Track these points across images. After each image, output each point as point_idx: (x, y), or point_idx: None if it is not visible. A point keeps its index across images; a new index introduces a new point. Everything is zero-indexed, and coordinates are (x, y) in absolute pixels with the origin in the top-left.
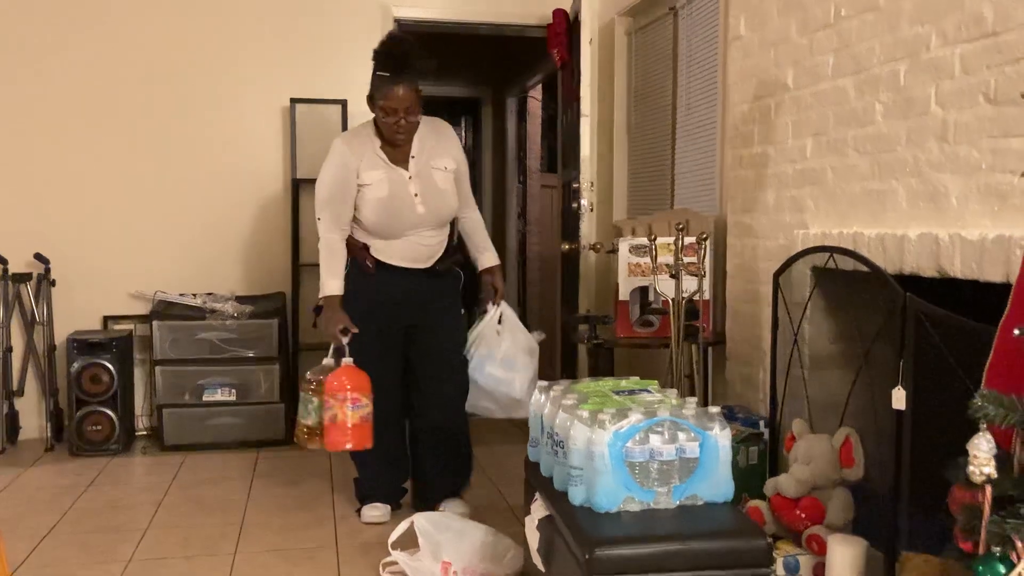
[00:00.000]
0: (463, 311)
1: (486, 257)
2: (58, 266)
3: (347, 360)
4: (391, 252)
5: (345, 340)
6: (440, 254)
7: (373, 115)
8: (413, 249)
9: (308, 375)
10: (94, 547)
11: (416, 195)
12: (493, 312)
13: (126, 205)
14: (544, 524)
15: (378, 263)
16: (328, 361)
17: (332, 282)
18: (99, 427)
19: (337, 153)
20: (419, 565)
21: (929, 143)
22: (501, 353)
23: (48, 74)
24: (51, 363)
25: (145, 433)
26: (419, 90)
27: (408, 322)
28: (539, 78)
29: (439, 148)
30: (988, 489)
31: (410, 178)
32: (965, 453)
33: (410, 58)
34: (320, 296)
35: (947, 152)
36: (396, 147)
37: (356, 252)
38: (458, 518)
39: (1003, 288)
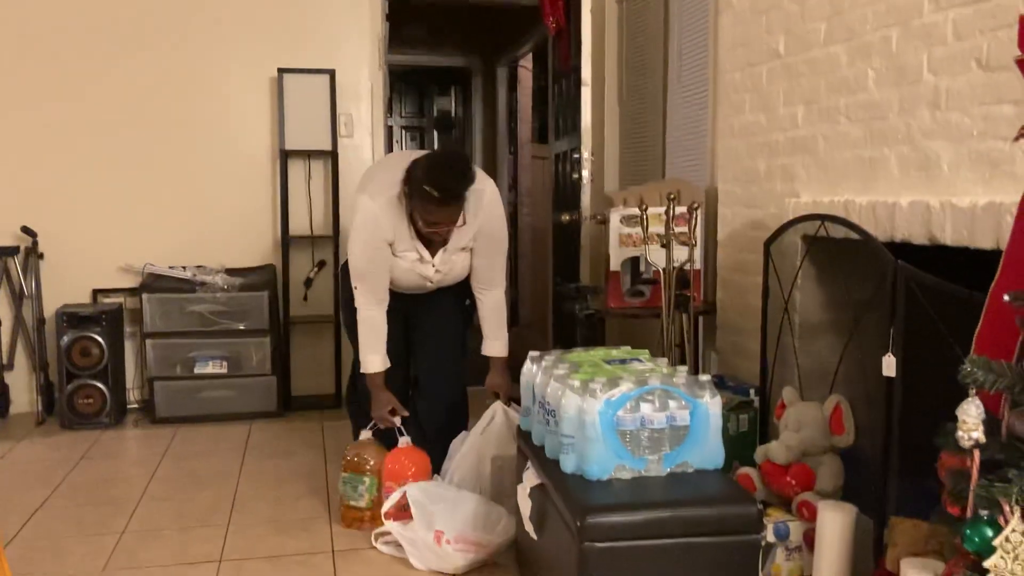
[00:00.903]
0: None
1: (494, 346)
2: (46, 239)
3: (405, 440)
4: (395, 287)
5: (396, 421)
6: None
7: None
8: (418, 290)
9: (351, 455)
10: (87, 520)
11: (436, 271)
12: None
13: (114, 177)
14: (536, 492)
15: None
16: (366, 435)
17: (374, 358)
18: (90, 400)
19: (371, 223)
20: (412, 535)
21: (921, 110)
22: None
23: (33, 47)
24: (41, 337)
25: (137, 406)
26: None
27: (409, 311)
28: (530, 47)
29: (470, 226)
30: (976, 454)
31: (434, 265)
32: (954, 419)
33: (466, 181)
34: (364, 372)
35: (939, 119)
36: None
37: None
38: (452, 488)
39: (994, 255)
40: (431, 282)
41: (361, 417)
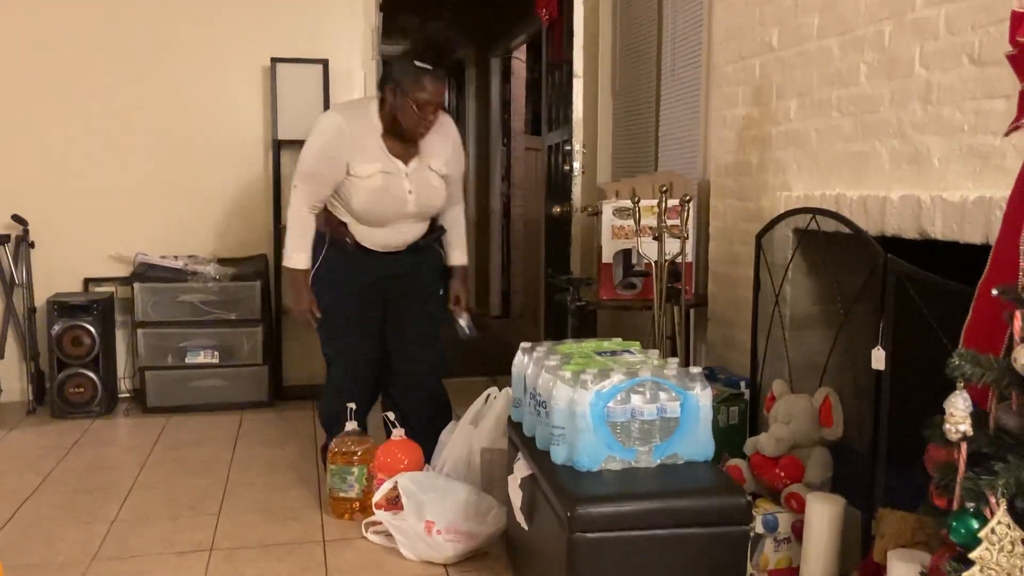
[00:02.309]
0: (441, 291)
1: (455, 255)
2: (37, 228)
3: (399, 432)
4: (371, 238)
5: (313, 323)
6: (419, 238)
7: (382, 100)
8: (394, 237)
9: (337, 445)
10: (78, 507)
11: (410, 192)
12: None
13: (106, 166)
14: (527, 483)
15: (356, 244)
16: (352, 425)
17: (300, 256)
18: (81, 389)
19: (332, 133)
20: (403, 524)
21: (912, 104)
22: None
23: (24, 36)
24: (31, 326)
25: (128, 395)
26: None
27: (385, 296)
28: (523, 38)
29: (438, 147)
30: (963, 446)
31: (407, 174)
32: (942, 412)
33: (450, 48)
34: (285, 266)
35: (930, 113)
36: (407, 142)
37: (333, 228)
38: (442, 478)
39: (983, 249)
40: (409, 207)
41: (335, 425)
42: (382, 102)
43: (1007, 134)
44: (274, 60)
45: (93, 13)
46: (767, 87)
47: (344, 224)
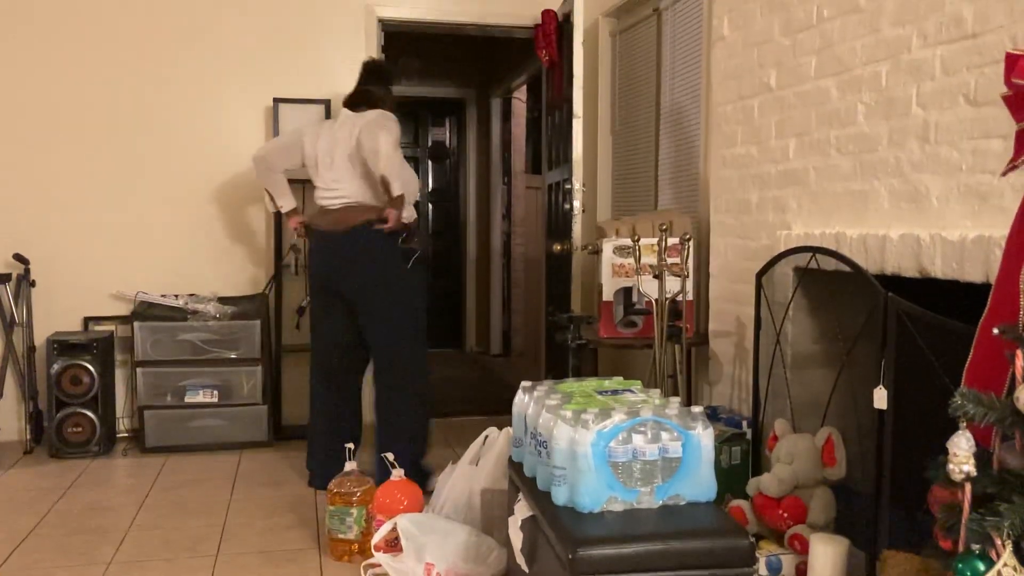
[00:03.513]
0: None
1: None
2: (38, 267)
3: (398, 472)
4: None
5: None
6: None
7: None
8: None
9: (335, 487)
10: (74, 549)
11: None
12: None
13: (107, 205)
14: (527, 524)
15: None
16: (351, 466)
17: (287, 200)
18: (79, 429)
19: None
20: (402, 566)
21: (911, 143)
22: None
23: (27, 73)
24: (31, 365)
25: (126, 435)
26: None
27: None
28: (524, 79)
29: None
30: (968, 487)
31: None
32: (945, 451)
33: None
34: (283, 211)
35: (928, 152)
36: None
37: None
38: (442, 519)
39: (983, 288)
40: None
41: (317, 478)
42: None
43: (1004, 173)
44: (276, 100)
45: (95, 53)
46: (766, 126)
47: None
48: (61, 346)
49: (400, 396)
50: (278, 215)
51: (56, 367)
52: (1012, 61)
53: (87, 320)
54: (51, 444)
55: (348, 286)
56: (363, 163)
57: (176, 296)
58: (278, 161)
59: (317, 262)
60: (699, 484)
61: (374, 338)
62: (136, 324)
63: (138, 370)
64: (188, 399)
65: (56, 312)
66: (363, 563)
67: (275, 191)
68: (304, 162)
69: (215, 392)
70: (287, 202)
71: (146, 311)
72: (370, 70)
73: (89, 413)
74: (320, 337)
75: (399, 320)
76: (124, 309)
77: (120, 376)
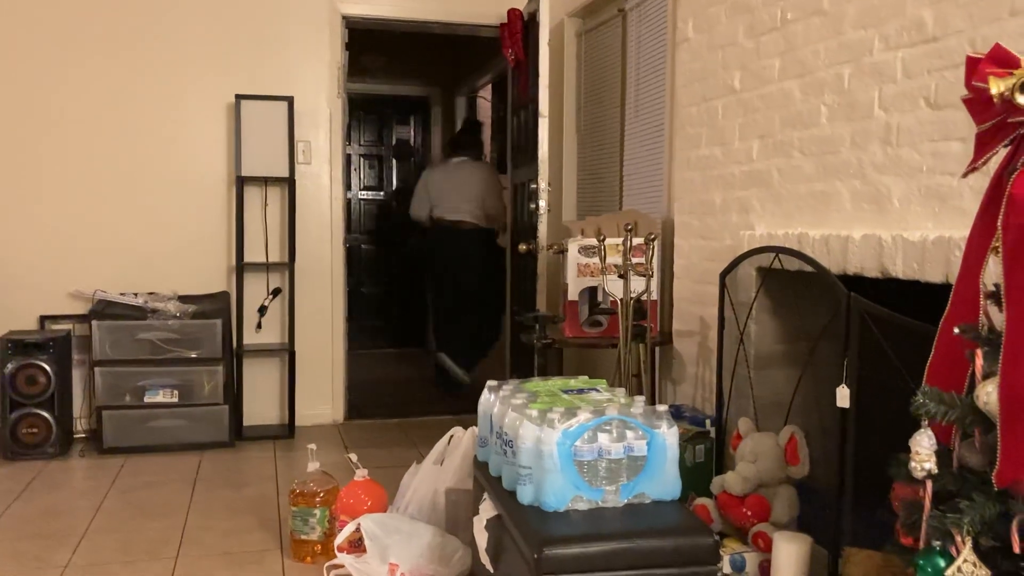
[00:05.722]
0: None
1: None
2: None
3: (362, 472)
4: None
5: None
6: None
7: None
8: None
9: (298, 487)
10: (27, 554)
11: None
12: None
13: (65, 202)
14: (493, 524)
15: None
16: (314, 466)
17: None
18: (35, 430)
19: None
20: (366, 567)
21: (872, 145)
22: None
23: None
24: None
25: (84, 436)
26: None
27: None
28: (489, 78)
29: None
30: (929, 484)
31: None
32: (907, 449)
33: None
34: None
35: (890, 154)
36: None
37: None
38: (406, 519)
39: (944, 288)
40: None
41: None
42: None
43: (964, 175)
44: (239, 97)
45: (54, 48)
46: (730, 128)
47: None
48: (16, 345)
49: None
50: (240, 211)
51: (11, 367)
52: (972, 64)
53: (43, 319)
54: (5, 446)
55: None
56: None
57: (135, 294)
58: None
59: None
60: (664, 483)
61: None
62: (94, 323)
63: (96, 370)
64: (147, 399)
65: (11, 311)
66: (326, 564)
67: None
68: None
69: (175, 392)
70: None
71: (104, 310)
72: None
73: (45, 414)
74: None
75: None
76: (82, 308)
77: (77, 376)
